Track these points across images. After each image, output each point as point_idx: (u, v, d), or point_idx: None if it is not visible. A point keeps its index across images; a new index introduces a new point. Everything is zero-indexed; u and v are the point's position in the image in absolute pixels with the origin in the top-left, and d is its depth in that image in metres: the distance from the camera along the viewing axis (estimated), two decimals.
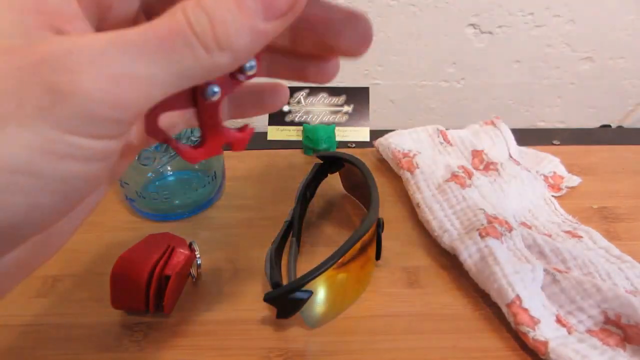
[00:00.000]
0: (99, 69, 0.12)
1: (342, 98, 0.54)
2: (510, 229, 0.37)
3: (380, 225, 0.36)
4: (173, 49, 0.13)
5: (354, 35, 0.17)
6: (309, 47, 0.18)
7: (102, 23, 0.16)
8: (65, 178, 0.13)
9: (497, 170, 0.44)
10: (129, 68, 0.13)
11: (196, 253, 0.35)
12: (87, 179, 0.14)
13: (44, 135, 0.12)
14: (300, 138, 0.52)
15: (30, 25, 0.13)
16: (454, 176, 0.42)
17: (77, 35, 0.13)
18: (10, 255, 0.15)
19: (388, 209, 0.43)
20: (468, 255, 0.35)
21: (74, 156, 0.13)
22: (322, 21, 0.17)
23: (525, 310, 0.31)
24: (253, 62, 0.16)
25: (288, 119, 0.53)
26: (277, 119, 0.53)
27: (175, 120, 0.20)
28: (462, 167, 0.43)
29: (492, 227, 0.36)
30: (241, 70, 0.16)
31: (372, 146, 0.50)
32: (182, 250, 0.34)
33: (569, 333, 0.30)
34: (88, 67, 0.12)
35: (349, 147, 0.52)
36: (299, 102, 0.54)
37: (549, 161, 0.47)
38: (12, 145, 0.12)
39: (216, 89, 0.16)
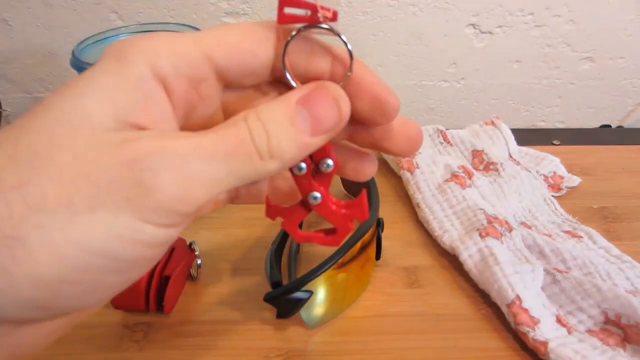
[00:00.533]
0: (178, 170, 0.14)
1: None
2: (510, 229, 0.37)
3: (380, 225, 0.36)
4: (236, 156, 0.15)
5: (405, 141, 0.20)
6: (364, 145, 0.20)
7: (186, 119, 0.18)
8: (132, 261, 0.15)
9: (497, 170, 0.44)
10: (201, 171, 0.15)
11: (196, 253, 0.35)
12: (148, 261, 0.16)
13: (124, 222, 0.14)
14: None
15: (128, 123, 0.15)
16: (454, 176, 0.42)
17: (162, 135, 0.15)
18: (60, 318, 0.16)
19: (388, 209, 0.43)
20: (468, 255, 0.35)
21: (143, 242, 0.15)
22: (380, 127, 0.19)
23: (525, 310, 0.31)
24: (330, 162, 0.18)
25: None
26: None
27: (212, 202, 0.21)
28: (462, 167, 0.43)
29: (492, 227, 0.36)
30: (320, 167, 0.19)
31: None
32: (182, 250, 0.34)
33: (569, 333, 0.30)
34: (169, 168, 0.14)
35: None
36: None
37: (549, 161, 0.47)
38: (97, 229, 0.14)
39: (317, 194, 0.19)
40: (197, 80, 0.17)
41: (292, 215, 0.20)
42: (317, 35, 0.17)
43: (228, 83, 0.18)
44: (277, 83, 0.19)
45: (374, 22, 0.54)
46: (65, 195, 0.14)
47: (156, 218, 0.15)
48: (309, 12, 0.16)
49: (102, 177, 0.14)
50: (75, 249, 0.14)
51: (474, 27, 0.54)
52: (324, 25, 0.16)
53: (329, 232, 0.21)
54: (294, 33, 0.17)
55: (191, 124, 0.18)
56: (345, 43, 0.17)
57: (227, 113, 0.19)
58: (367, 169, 0.21)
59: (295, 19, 0.16)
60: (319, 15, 0.16)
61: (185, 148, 0.15)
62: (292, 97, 0.16)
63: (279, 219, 0.21)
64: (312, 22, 0.16)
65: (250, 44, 0.17)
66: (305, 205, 0.20)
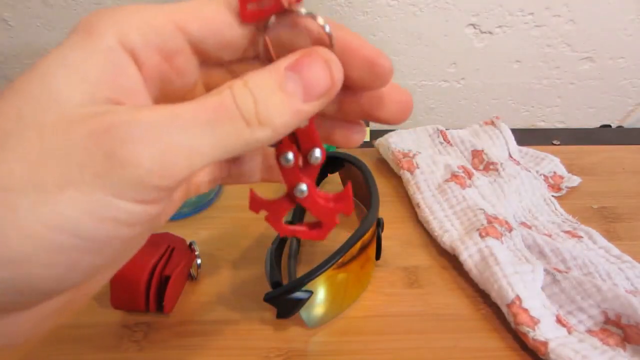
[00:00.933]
0: (152, 141, 0.13)
1: None
2: (510, 229, 0.37)
3: (380, 225, 0.36)
4: (218, 123, 0.14)
5: (397, 106, 0.19)
6: (353, 115, 0.20)
7: (163, 94, 0.17)
8: (107, 240, 0.14)
9: (497, 170, 0.44)
10: (179, 141, 0.14)
11: (196, 253, 0.35)
12: (126, 240, 0.15)
13: (96, 199, 0.13)
14: None
15: (97, 96, 0.14)
16: (454, 176, 0.42)
17: (136, 107, 0.14)
18: (48, 303, 0.16)
19: (388, 209, 0.43)
20: (468, 255, 0.35)
21: (118, 220, 0.14)
22: (369, 94, 0.19)
23: (525, 310, 0.31)
24: (318, 153, 0.18)
25: None
26: None
27: (200, 181, 0.21)
28: (462, 167, 0.43)
29: (492, 227, 0.36)
30: (308, 158, 0.18)
31: (372, 146, 0.50)
32: (182, 250, 0.34)
33: (569, 333, 0.30)
34: (142, 139, 0.13)
35: None
36: None
37: (549, 161, 0.47)
38: (67, 208, 0.13)
39: (304, 186, 0.19)
40: (170, 53, 0.16)
41: (277, 209, 0.20)
42: (291, 19, 0.17)
43: (206, 57, 0.17)
44: (263, 61, 0.18)
45: (374, 22, 0.54)
46: (33, 174, 0.13)
47: (131, 193, 0.14)
48: (272, 2, 0.15)
49: (71, 153, 0.13)
50: (46, 229, 0.13)
51: (474, 27, 0.54)
52: (301, 11, 0.16)
53: (313, 225, 0.21)
54: (270, 22, 0.16)
55: (168, 99, 0.17)
56: (322, 26, 0.16)
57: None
58: (356, 135, 0.21)
59: (259, 12, 0.16)
60: (283, 1, 0.15)
61: (160, 117, 0.14)
62: (281, 63, 0.16)
63: (263, 213, 0.20)
64: (278, 10, 0.16)
65: (227, 16, 0.16)
66: (290, 198, 0.20)
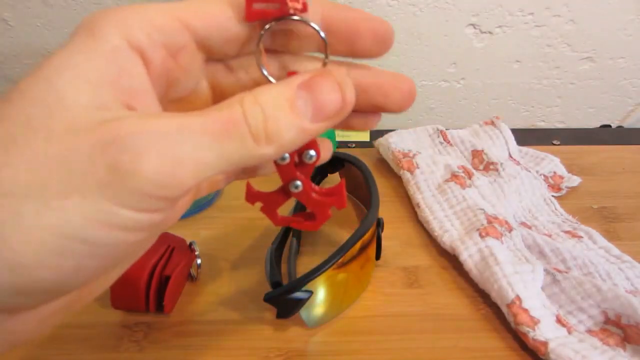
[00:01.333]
0: (159, 152, 0.14)
1: None
2: (510, 229, 0.37)
3: (380, 225, 0.36)
4: (227, 138, 0.14)
5: (400, 94, 0.19)
6: (359, 105, 0.20)
7: (168, 93, 0.17)
8: (113, 245, 0.14)
9: (497, 170, 0.44)
10: (185, 153, 0.14)
11: (196, 253, 0.35)
12: (131, 245, 0.15)
13: (100, 207, 0.13)
14: None
15: (104, 99, 0.14)
16: (454, 176, 0.42)
17: (145, 115, 0.14)
18: (52, 303, 0.16)
19: (388, 209, 0.43)
20: (468, 255, 0.35)
21: (122, 227, 0.14)
22: (373, 85, 0.19)
23: (526, 310, 0.31)
24: (313, 153, 0.18)
25: None
26: None
27: (216, 179, 0.22)
28: (462, 167, 0.43)
29: (492, 227, 0.36)
30: (303, 158, 0.19)
31: (372, 146, 0.50)
32: (182, 250, 0.34)
33: (569, 333, 0.30)
34: (149, 150, 0.13)
35: (349, 147, 0.52)
36: None
37: (549, 161, 0.47)
38: (71, 214, 0.13)
39: (299, 182, 0.19)
40: (175, 49, 0.16)
41: (272, 201, 0.21)
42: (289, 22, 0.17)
43: (210, 52, 0.17)
44: (269, 56, 0.18)
45: None
46: (38, 180, 0.13)
47: (135, 203, 0.14)
48: (278, 6, 0.16)
49: (76, 161, 0.13)
50: (50, 235, 0.13)
51: (474, 27, 0.54)
52: (295, 17, 0.16)
53: (307, 217, 0.21)
54: (267, 27, 0.16)
55: (176, 97, 0.17)
56: (318, 32, 0.17)
57: (217, 92, 0.19)
58: (374, 118, 0.21)
59: (264, 13, 0.16)
60: (289, 8, 0.16)
61: (168, 128, 0.14)
62: (293, 80, 0.16)
63: (258, 204, 0.21)
64: (282, 15, 0.16)
65: (229, 12, 0.16)
66: (285, 191, 0.20)
